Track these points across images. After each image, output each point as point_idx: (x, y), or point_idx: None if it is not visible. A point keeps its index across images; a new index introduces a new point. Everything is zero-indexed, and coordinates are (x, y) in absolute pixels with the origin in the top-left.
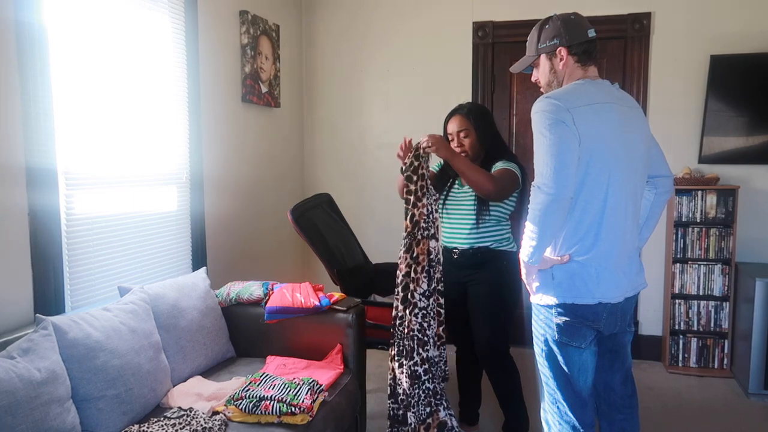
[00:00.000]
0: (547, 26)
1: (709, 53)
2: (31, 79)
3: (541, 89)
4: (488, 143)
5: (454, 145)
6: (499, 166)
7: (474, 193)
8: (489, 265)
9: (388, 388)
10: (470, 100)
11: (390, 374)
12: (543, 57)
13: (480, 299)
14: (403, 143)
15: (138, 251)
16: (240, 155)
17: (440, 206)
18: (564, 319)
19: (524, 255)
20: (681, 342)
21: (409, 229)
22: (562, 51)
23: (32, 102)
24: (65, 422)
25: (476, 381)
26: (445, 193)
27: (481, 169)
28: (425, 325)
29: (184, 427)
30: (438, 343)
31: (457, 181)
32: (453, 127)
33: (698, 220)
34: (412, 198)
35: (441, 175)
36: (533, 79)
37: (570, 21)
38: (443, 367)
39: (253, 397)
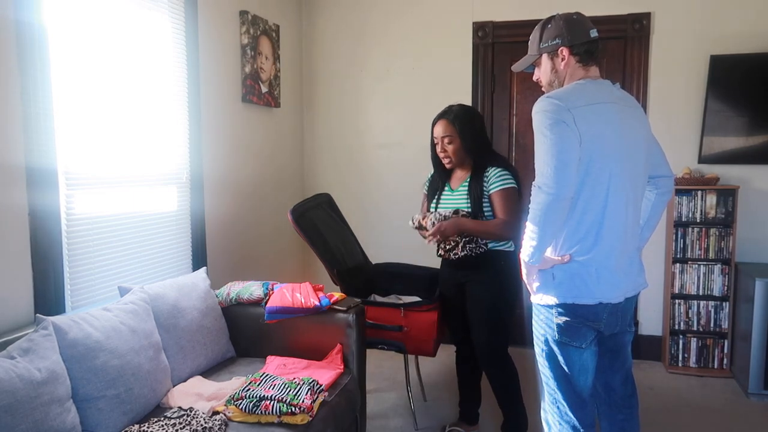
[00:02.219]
0: (549, 26)
1: (709, 53)
2: (31, 79)
3: (543, 89)
4: (475, 149)
5: (438, 149)
6: (493, 181)
7: (467, 197)
8: (487, 265)
9: None
10: (468, 101)
11: None
12: (545, 56)
13: (478, 300)
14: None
15: (138, 251)
16: (240, 155)
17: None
18: (564, 319)
19: (525, 255)
20: (681, 342)
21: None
22: (564, 51)
23: (32, 102)
24: (65, 422)
25: (476, 381)
26: (436, 199)
27: (489, 224)
28: None
29: (184, 427)
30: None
31: (447, 187)
32: (438, 131)
33: (698, 220)
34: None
35: (431, 183)
36: (535, 78)
37: (572, 21)
38: None
39: (253, 397)
